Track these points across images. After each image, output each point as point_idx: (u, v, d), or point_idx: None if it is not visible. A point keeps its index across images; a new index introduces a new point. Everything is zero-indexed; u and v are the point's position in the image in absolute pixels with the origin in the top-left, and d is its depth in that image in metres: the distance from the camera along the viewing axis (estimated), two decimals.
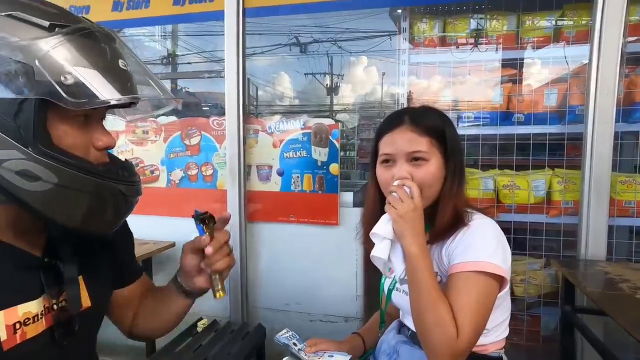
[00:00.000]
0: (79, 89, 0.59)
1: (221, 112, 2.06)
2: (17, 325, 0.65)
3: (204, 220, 0.80)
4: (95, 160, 0.67)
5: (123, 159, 0.76)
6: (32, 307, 0.68)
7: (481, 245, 0.94)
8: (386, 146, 1.03)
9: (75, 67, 0.59)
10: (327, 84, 7.58)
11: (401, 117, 1.03)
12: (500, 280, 0.93)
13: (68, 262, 0.72)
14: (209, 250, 0.77)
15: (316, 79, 7.44)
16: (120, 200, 0.68)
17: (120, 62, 0.64)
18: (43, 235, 0.72)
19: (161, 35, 3.62)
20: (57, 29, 0.60)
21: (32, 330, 0.67)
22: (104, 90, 0.60)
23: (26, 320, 0.66)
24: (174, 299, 0.88)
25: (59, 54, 0.59)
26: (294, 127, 2.02)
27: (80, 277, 0.76)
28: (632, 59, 1.79)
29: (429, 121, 1.01)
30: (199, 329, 1.83)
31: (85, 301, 0.77)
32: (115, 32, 0.69)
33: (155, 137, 2.18)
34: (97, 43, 0.63)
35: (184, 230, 2.11)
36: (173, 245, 2.12)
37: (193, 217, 0.79)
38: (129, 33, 2.94)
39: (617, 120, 1.59)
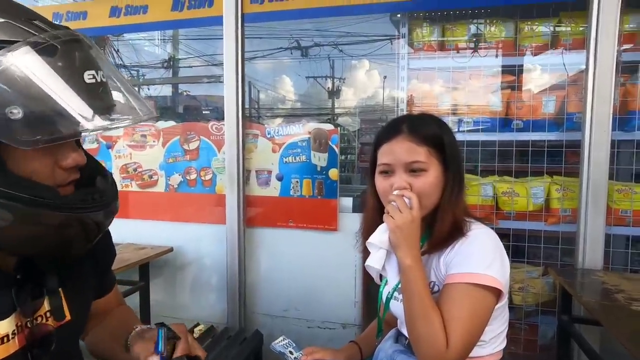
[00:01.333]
0: (32, 123, 0.52)
1: (222, 116, 2.07)
2: None
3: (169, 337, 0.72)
4: (61, 180, 0.63)
5: (103, 169, 0.71)
6: (3, 326, 0.63)
7: (478, 256, 0.94)
8: (384, 156, 1.02)
9: (25, 96, 0.52)
10: (328, 88, 7.59)
11: (399, 126, 1.02)
12: (496, 292, 0.93)
13: (49, 274, 0.69)
14: None
15: (317, 82, 7.45)
16: (86, 227, 0.64)
17: (87, 75, 0.57)
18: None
19: (161, 39, 3.64)
20: (1, 48, 0.51)
21: (3, 352, 0.63)
22: (62, 121, 0.54)
23: None
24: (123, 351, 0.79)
25: (3, 81, 0.51)
26: (294, 132, 2.02)
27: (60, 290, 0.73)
28: (627, 68, 1.79)
29: (428, 130, 1.01)
30: (196, 335, 1.83)
31: (65, 314, 0.73)
32: (84, 36, 0.61)
33: (154, 141, 2.19)
34: (54, 57, 0.54)
35: (182, 235, 2.16)
36: (171, 250, 2.13)
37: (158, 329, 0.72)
38: (129, 37, 2.96)
39: (613, 129, 1.59)
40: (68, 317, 0.74)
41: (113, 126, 0.62)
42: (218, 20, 2.00)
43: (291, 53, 5.76)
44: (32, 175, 0.59)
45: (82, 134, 0.61)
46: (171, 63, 3.93)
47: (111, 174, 0.74)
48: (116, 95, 0.63)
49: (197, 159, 2.15)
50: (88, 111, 0.56)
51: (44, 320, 0.70)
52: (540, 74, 2.03)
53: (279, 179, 2.05)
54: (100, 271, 0.85)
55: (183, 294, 2.21)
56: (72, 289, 0.75)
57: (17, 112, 0.51)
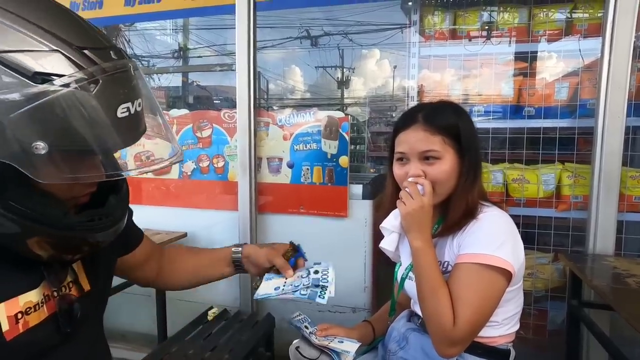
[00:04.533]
0: (53, 161, 0.54)
1: (231, 106, 2.09)
2: (19, 315, 0.65)
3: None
4: (78, 193, 0.66)
5: (118, 187, 0.73)
6: (33, 296, 0.68)
7: (489, 238, 0.96)
8: (401, 145, 1.05)
9: (53, 134, 0.53)
10: (338, 78, 7.57)
11: (415, 115, 1.04)
12: (506, 274, 0.94)
13: None
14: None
15: (327, 72, 7.44)
16: (83, 243, 0.69)
17: (121, 110, 0.58)
18: None
19: (172, 29, 3.65)
20: (43, 79, 0.52)
21: (34, 319, 0.68)
22: (84, 165, 0.58)
23: (28, 309, 0.67)
24: (221, 267, 1.08)
25: (36, 115, 0.51)
26: (304, 120, 2.04)
27: (78, 262, 0.78)
28: None
29: (443, 119, 1.02)
30: (209, 318, 1.88)
31: (85, 285, 0.78)
32: (129, 61, 0.61)
33: None
34: (92, 94, 0.54)
35: (195, 221, 2.20)
36: (185, 235, 2.17)
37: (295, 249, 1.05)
38: (141, 27, 2.98)
39: (628, 115, 1.57)
40: (88, 287, 0.79)
41: (133, 174, 0.67)
42: (230, 9, 2.01)
43: (300, 42, 5.76)
44: (50, 186, 0.61)
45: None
46: (182, 53, 3.96)
47: (126, 183, 0.77)
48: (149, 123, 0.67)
49: (209, 147, 2.17)
50: (117, 144, 0.60)
51: (67, 290, 0.74)
52: (554, 60, 2.01)
53: (290, 166, 2.07)
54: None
55: None
56: (89, 260, 0.80)
57: (41, 148, 0.52)
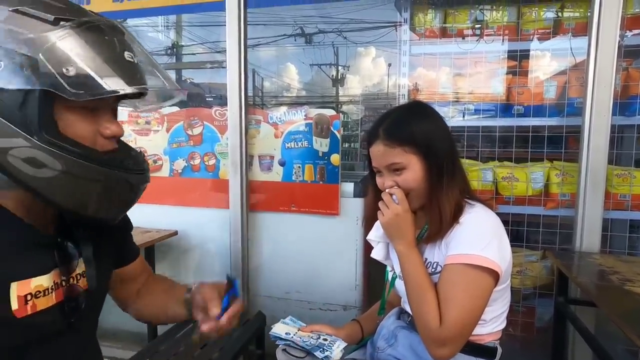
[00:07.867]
0: (81, 81, 0.61)
1: (225, 103, 2.08)
2: (29, 297, 0.68)
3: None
4: (102, 147, 0.70)
5: (134, 147, 0.79)
6: (44, 280, 0.70)
7: (474, 238, 0.96)
8: (372, 159, 1.09)
9: (78, 59, 0.62)
10: (332, 75, 7.55)
11: (377, 130, 1.06)
12: (493, 273, 0.94)
13: (84, 242, 0.76)
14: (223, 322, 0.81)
15: (322, 70, 7.42)
16: (126, 188, 0.71)
17: (126, 54, 0.67)
18: (55, 215, 0.76)
19: (165, 26, 3.63)
20: (61, 22, 0.62)
21: (43, 303, 0.70)
22: (106, 81, 0.63)
23: (37, 292, 0.69)
24: (178, 307, 0.92)
25: (62, 46, 0.61)
26: (296, 118, 2.03)
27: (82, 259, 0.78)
28: (630, 52, 1.78)
29: (400, 130, 1.03)
30: None
31: (91, 282, 0.79)
32: (121, 24, 0.71)
33: (158, 127, 2.21)
34: (102, 35, 0.65)
35: (186, 219, 2.20)
36: (175, 233, 2.16)
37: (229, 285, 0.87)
38: (132, 24, 2.96)
39: (614, 114, 1.59)
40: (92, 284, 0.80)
41: (150, 90, 0.74)
42: (220, 6, 2.00)
43: (295, 40, 5.75)
44: (79, 138, 0.66)
45: (121, 100, 0.74)
46: (175, 50, 3.94)
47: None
48: (149, 76, 0.72)
49: (200, 144, 2.17)
50: (127, 78, 0.65)
51: (75, 282, 0.76)
52: (543, 59, 2.02)
53: (282, 164, 2.07)
54: (118, 242, 0.91)
55: (187, 276, 2.26)
56: (95, 259, 0.80)
57: (71, 70, 0.60)
